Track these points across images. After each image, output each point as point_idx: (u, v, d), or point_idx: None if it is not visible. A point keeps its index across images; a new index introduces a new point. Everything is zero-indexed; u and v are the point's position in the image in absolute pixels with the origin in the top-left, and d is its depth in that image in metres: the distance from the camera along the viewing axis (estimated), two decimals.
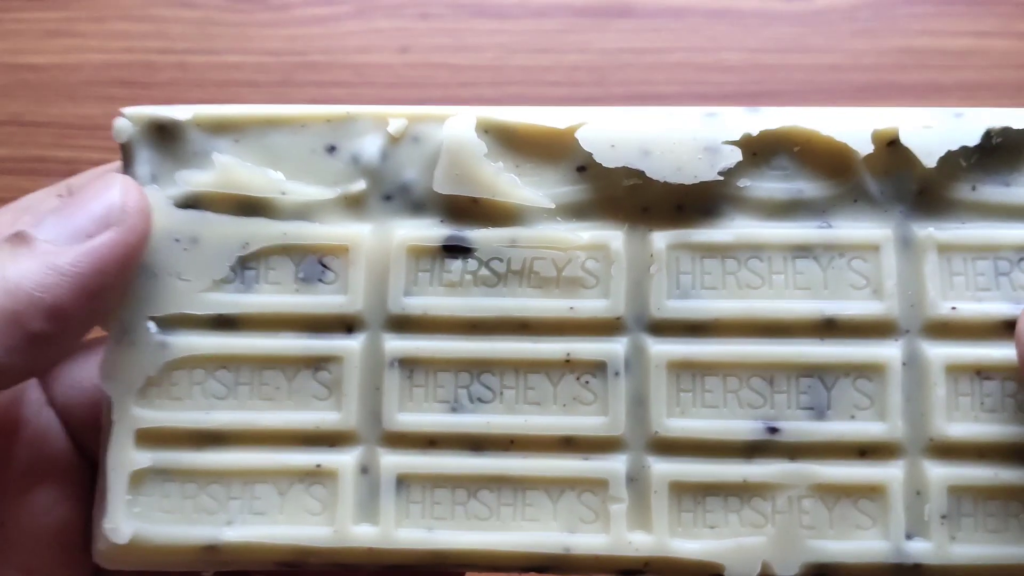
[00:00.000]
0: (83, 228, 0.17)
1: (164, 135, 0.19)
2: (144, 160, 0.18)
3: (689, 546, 0.17)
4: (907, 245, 0.18)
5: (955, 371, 0.17)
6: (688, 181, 0.18)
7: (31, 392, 0.19)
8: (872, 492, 0.17)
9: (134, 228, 0.17)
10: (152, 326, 0.18)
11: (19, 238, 0.17)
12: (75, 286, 0.17)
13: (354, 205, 0.18)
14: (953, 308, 0.17)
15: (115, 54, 0.40)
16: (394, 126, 0.18)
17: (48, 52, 0.41)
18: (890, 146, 0.18)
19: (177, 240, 0.18)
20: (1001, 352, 0.17)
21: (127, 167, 0.19)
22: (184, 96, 0.39)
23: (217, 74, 0.40)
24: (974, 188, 0.18)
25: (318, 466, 0.18)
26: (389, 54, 0.40)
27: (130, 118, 0.19)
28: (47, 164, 0.40)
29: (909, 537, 0.17)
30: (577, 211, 0.18)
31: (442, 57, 0.40)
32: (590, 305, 0.18)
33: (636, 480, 0.18)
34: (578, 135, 0.18)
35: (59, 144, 0.40)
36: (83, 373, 0.19)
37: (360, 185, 0.18)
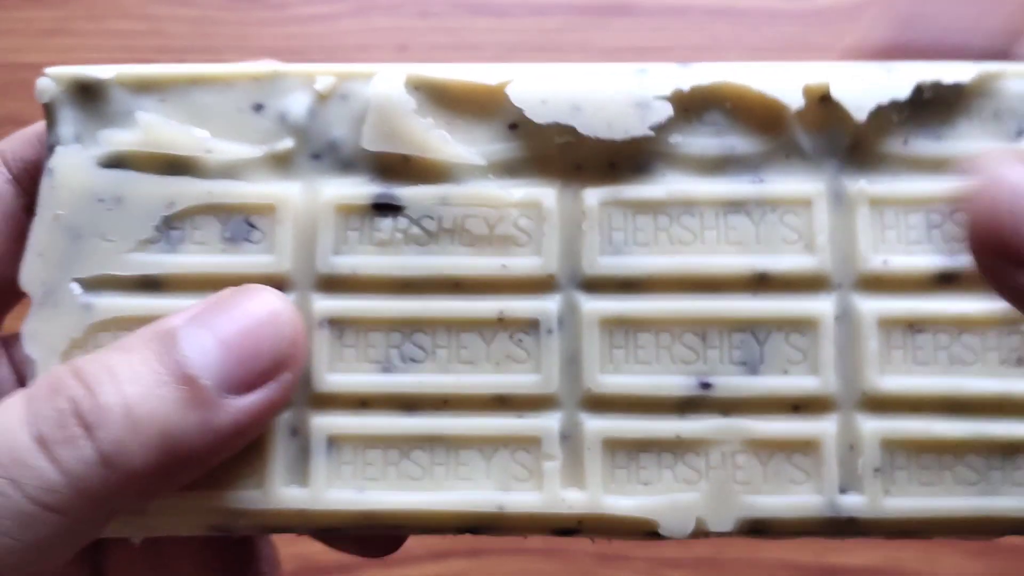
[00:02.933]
0: (248, 378, 0.16)
1: (87, 94, 0.18)
2: (68, 120, 0.18)
3: (623, 502, 0.17)
4: (839, 199, 0.18)
5: (887, 324, 0.17)
6: (619, 136, 0.18)
7: (2, 371, 0.19)
8: (805, 447, 0.17)
9: (296, 379, 0.17)
10: (76, 287, 0.18)
11: (188, 381, 0.15)
12: (219, 446, 0.16)
13: (281, 164, 0.18)
14: (885, 261, 0.17)
15: (113, 53, 0.41)
16: (321, 83, 0.18)
17: (46, 51, 0.41)
18: (822, 101, 0.18)
19: (101, 200, 0.18)
20: (934, 305, 0.17)
21: (50, 127, 0.18)
22: None
23: None
24: (905, 142, 0.18)
25: None
26: (388, 52, 0.40)
27: (53, 77, 0.18)
28: None
29: (843, 491, 0.17)
30: (509, 169, 0.18)
31: (441, 55, 0.40)
32: (523, 263, 0.18)
33: (570, 438, 0.17)
34: (508, 91, 0.18)
35: None
36: None
37: (288, 143, 0.18)
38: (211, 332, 0.16)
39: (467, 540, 0.35)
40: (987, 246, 0.14)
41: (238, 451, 0.17)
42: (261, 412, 0.16)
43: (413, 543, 0.35)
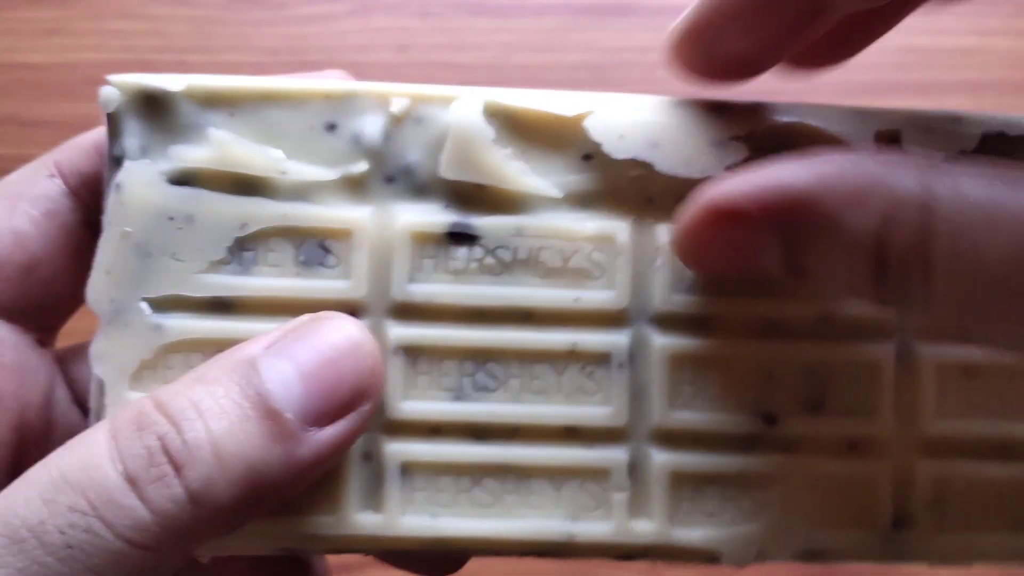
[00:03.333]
0: (330, 410, 0.16)
1: (154, 106, 0.18)
2: (133, 132, 0.18)
3: (689, 534, 0.18)
4: None
5: (944, 370, 0.18)
6: (696, 175, 0.18)
7: (59, 391, 0.19)
8: (862, 484, 0.18)
9: (374, 409, 0.17)
10: (146, 307, 0.17)
11: (272, 416, 0.15)
12: (300, 478, 0.16)
13: (355, 187, 0.18)
14: None
15: (113, 53, 0.40)
16: (397, 106, 0.18)
17: (46, 51, 0.41)
18: (891, 144, 0.18)
19: (171, 218, 0.18)
20: (989, 353, 0.18)
21: (113, 139, 0.18)
22: None
23: (215, 73, 0.39)
24: None
25: None
26: (388, 53, 0.40)
27: (118, 86, 0.18)
28: None
29: (895, 526, 0.18)
30: (583, 200, 0.18)
31: (442, 56, 0.40)
32: (595, 296, 0.18)
33: (638, 470, 0.18)
34: (586, 124, 0.18)
35: (57, 143, 0.39)
36: None
37: (362, 166, 0.18)
38: (292, 363, 0.16)
39: None
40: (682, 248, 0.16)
41: (316, 480, 0.17)
42: (341, 443, 0.16)
43: None
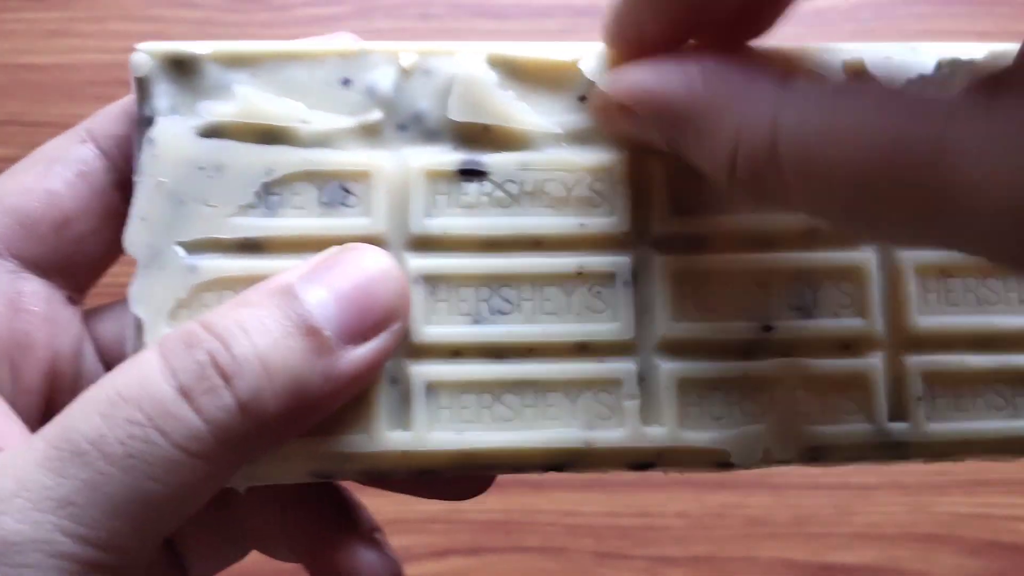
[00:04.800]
0: (364, 329, 0.17)
1: (182, 69, 0.19)
2: (162, 93, 0.19)
3: (699, 436, 0.19)
4: None
5: (923, 272, 0.19)
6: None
7: (86, 347, 0.20)
8: (856, 381, 0.19)
9: (403, 332, 0.18)
10: (180, 251, 0.19)
11: (312, 333, 0.16)
12: (339, 392, 0.17)
13: (371, 134, 0.19)
14: None
15: (115, 54, 0.41)
16: (406, 60, 0.19)
17: (48, 52, 0.41)
18: (857, 77, 0.20)
19: (202, 168, 0.19)
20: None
21: (145, 100, 0.19)
22: None
23: None
24: None
25: None
26: None
27: (148, 52, 0.19)
28: None
29: (891, 419, 0.19)
30: (581, 136, 0.20)
31: None
32: (599, 222, 0.19)
33: (647, 379, 0.19)
34: (581, 66, 0.20)
35: None
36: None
37: (376, 115, 0.19)
38: (327, 287, 0.17)
39: (467, 538, 0.35)
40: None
41: (351, 398, 0.18)
42: (376, 359, 0.17)
43: (412, 542, 0.36)
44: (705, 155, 0.17)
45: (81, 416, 0.16)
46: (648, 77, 0.17)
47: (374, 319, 0.17)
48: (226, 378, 0.16)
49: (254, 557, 0.34)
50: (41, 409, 0.19)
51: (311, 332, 0.16)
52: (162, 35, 0.41)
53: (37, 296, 0.19)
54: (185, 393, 0.16)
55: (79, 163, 0.20)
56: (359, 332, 0.17)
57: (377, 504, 0.35)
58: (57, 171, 0.19)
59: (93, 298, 0.21)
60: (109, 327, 0.20)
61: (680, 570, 0.36)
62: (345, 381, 0.17)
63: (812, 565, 0.36)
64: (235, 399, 0.16)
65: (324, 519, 0.20)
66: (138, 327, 0.18)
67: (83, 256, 0.20)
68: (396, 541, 0.34)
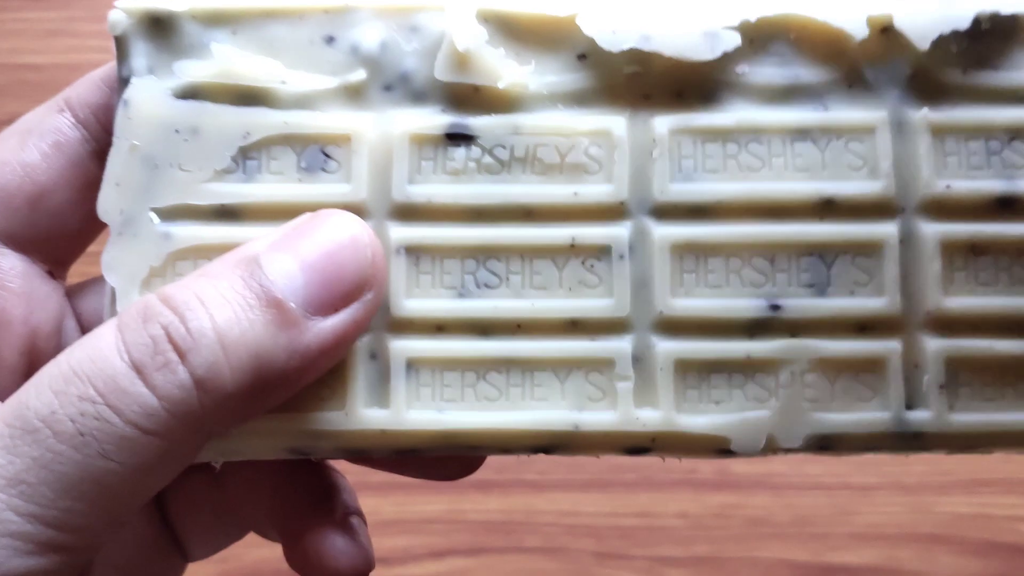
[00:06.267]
0: (332, 299, 0.16)
1: (160, 27, 0.18)
2: (140, 52, 0.18)
3: (695, 421, 0.18)
4: (902, 127, 0.18)
5: (950, 247, 0.18)
6: (690, 57, 0.18)
7: (69, 323, 0.19)
8: (872, 365, 0.18)
9: (378, 300, 0.17)
10: (154, 217, 0.18)
11: (275, 305, 0.16)
12: (307, 367, 0.16)
13: (354, 95, 0.18)
14: (947, 186, 0.18)
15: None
16: (393, 16, 0.18)
17: (48, 52, 0.41)
18: (884, 32, 0.18)
19: (177, 131, 0.18)
20: (994, 228, 0.18)
21: (122, 60, 0.18)
22: None
23: None
24: (964, 72, 0.18)
25: None
26: None
27: (125, 10, 0.18)
28: None
29: (909, 407, 0.18)
30: (579, 98, 0.18)
31: None
32: (594, 190, 0.18)
33: (642, 359, 0.18)
34: (579, 21, 0.18)
35: None
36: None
37: (360, 75, 0.18)
38: (294, 256, 0.16)
39: (467, 539, 0.35)
40: None
41: (323, 373, 0.17)
42: (346, 332, 0.16)
43: (412, 542, 0.35)
44: None
45: (35, 393, 0.15)
46: None
47: (343, 289, 0.16)
48: (180, 353, 0.15)
49: (254, 556, 0.35)
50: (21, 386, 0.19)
51: (274, 304, 0.16)
52: None
53: (13, 271, 0.19)
54: (138, 368, 0.15)
55: (55, 134, 0.19)
56: (327, 303, 0.16)
57: (377, 504, 0.34)
58: (33, 143, 0.19)
59: (80, 273, 0.21)
60: (92, 302, 0.20)
61: (680, 570, 0.36)
62: (313, 355, 0.16)
63: (812, 565, 0.36)
64: (190, 374, 0.15)
65: (301, 501, 0.19)
66: (112, 297, 0.18)
67: (61, 229, 0.19)
68: (396, 541, 0.33)
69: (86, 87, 0.19)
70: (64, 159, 0.19)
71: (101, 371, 0.15)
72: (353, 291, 0.16)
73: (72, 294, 0.20)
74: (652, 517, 0.36)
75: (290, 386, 0.16)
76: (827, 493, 0.36)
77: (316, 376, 0.17)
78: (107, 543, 0.16)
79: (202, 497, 0.21)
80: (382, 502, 0.35)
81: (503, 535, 0.35)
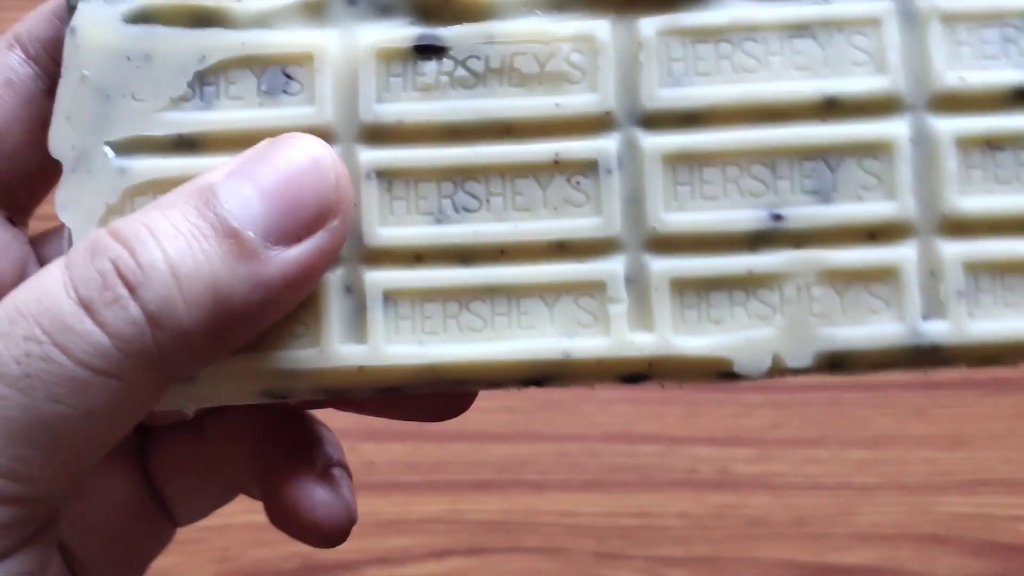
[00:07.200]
0: (295, 228, 0.15)
1: None
2: None
3: (694, 342, 0.16)
4: (909, 17, 0.17)
5: (965, 144, 0.16)
6: None
7: (32, 270, 0.18)
8: (884, 275, 0.16)
9: (345, 227, 0.16)
10: (109, 151, 0.17)
11: (232, 234, 0.15)
12: (270, 301, 0.15)
13: (316, 11, 0.17)
14: (960, 78, 0.16)
15: None
16: None
17: None
18: None
19: (129, 58, 0.17)
20: (1013, 121, 0.16)
21: None
22: None
23: None
24: None
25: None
26: None
27: None
28: None
29: (925, 318, 0.16)
30: (557, 2, 0.17)
31: None
32: (577, 100, 0.17)
33: (635, 280, 0.17)
34: None
35: None
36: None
37: None
38: (252, 183, 0.15)
39: (467, 539, 0.35)
40: None
41: (292, 308, 0.16)
42: (311, 262, 0.15)
43: (412, 542, 0.35)
44: None
45: None
46: None
47: (306, 216, 0.15)
48: (130, 287, 0.14)
49: (254, 557, 0.34)
50: None
51: (230, 234, 0.15)
52: None
53: None
54: (86, 305, 0.14)
55: (6, 71, 0.18)
56: (289, 231, 0.15)
57: (377, 504, 0.34)
58: None
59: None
60: (57, 249, 0.19)
61: (680, 570, 0.36)
62: (277, 288, 0.15)
63: (812, 565, 0.36)
64: (142, 310, 0.14)
65: (281, 453, 0.19)
66: (69, 239, 0.17)
67: (17, 172, 0.18)
68: (396, 541, 0.33)
69: (36, 21, 0.18)
70: (16, 98, 0.18)
71: (47, 309, 0.14)
72: (317, 218, 0.15)
73: (37, 243, 0.19)
74: (652, 517, 0.36)
75: (254, 323, 0.15)
76: (827, 493, 0.36)
77: (283, 312, 0.16)
78: (70, 496, 0.15)
79: (186, 457, 0.20)
80: (382, 502, 0.35)
81: (503, 535, 0.36)
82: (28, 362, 0.14)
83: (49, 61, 0.18)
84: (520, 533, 0.36)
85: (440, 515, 0.35)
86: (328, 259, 0.16)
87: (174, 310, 0.14)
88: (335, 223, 0.15)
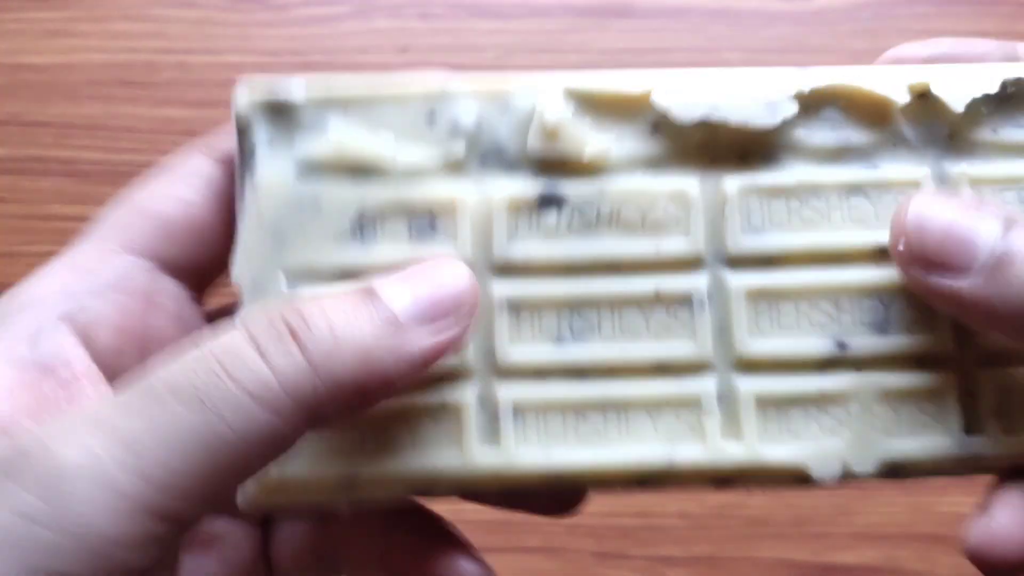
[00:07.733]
0: (428, 311, 0.18)
1: (279, 109, 0.20)
2: (261, 130, 0.20)
3: (777, 451, 0.19)
4: (943, 180, 0.20)
5: None
6: (756, 124, 0.20)
7: None
8: (931, 395, 0.20)
9: (467, 328, 0.19)
10: (282, 280, 0.20)
11: (369, 295, 0.18)
12: (406, 371, 0.17)
13: (455, 167, 0.20)
14: None
15: (115, 54, 0.41)
16: (487, 96, 0.20)
17: (48, 52, 0.41)
18: (922, 98, 0.20)
19: (299, 203, 0.20)
20: None
21: (242, 135, 0.20)
22: (184, 96, 0.39)
23: (217, 74, 0.40)
24: (995, 131, 0.21)
25: (443, 404, 0.20)
26: (389, 54, 0.41)
27: (248, 98, 0.20)
28: (47, 164, 0.40)
29: (967, 432, 0.19)
30: (655, 163, 0.21)
31: (442, 57, 0.41)
32: (673, 244, 0.20)
33: (725, 397, 0.20)
34: (654, 98, 0.20)
35: (59, 144, 0.40)
36: None
37: (459, 149, 0.20)
38: (406, 285, 0.18)
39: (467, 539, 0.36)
40: (905, 259, 0.19)
41: (412, 385, 0.19)
42: (442, 347, 0.18)
43: None
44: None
45: (163, 368, 0.17)
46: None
47: (444, 312, 0.18)
48: (297, 338, 0.17)
49: None
50: None
51: (384, 313, 0.17)
52: (161, 35, 0.41)
53: (170, 295, 0.21)
54: (258, 348, 0.16)
55: (204, 172, 0.21)
56: (430, 317, 0.18)
57: None
58: (189, 181, 0.21)
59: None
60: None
61: (680, 570, 0.36)
62: (416, 362, 0.18)
63: (812, 565, 0.36)
64: (304, 356, 0.17)
65: (422, 537, 0.21)
66: None
67: (209, 260, 0.21)
68: None
69: (221, 137, 0.21)
70: (215, 197, 0.21)
71: (227, 350, 0.16)
72: (453, 308, 0.18)
73: (213, 319, 0.22)
74: (652, 517, 0.36)
75: (391, 387, 0.18)
76: (827, 493, 0.36)
77: (407, 385, 0.18)
78: (205, 515, 0.17)
79: (307, 537, 0.23)
80: None
81: (503, 535, 0.36)
82: (203, 388, 0.16)
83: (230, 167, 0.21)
84: (520, 533, 0.36)
85: (440, 515, 0.36)
86: (452, 349, 0.19)
87: (331, 363, 0.17)
88: (464, 322, 0.18)
